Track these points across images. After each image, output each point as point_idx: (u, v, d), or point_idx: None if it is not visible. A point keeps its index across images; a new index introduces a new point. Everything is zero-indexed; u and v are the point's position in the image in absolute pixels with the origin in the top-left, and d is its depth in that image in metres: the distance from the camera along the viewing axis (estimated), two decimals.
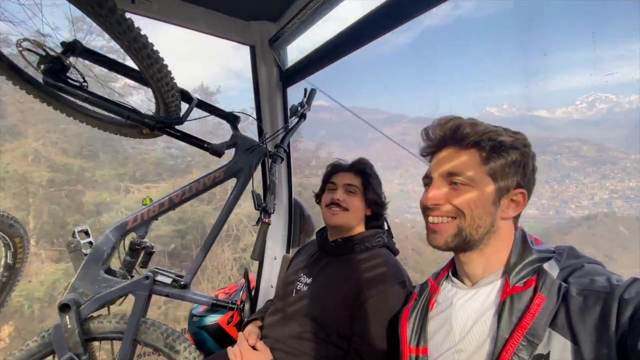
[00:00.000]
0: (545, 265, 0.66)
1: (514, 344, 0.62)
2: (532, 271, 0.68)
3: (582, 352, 0.55)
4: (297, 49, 1.85)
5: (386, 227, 1.30)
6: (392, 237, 1.29)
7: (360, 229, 1.26)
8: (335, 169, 1.33)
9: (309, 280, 1.21)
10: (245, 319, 1.49)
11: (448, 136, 0.78)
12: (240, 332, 1.23)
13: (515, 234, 0.76)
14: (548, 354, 0.59)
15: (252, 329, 1.25)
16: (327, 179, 1.33)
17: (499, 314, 0.67)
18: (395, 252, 1.24)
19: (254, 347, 1.14)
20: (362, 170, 1.27)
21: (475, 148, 0.75)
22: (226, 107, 1.47)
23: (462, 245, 0.75)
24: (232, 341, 1.66)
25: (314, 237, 1.49)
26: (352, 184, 1.25)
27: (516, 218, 0.77)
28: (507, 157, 0.72)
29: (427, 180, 0.81)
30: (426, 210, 0.79)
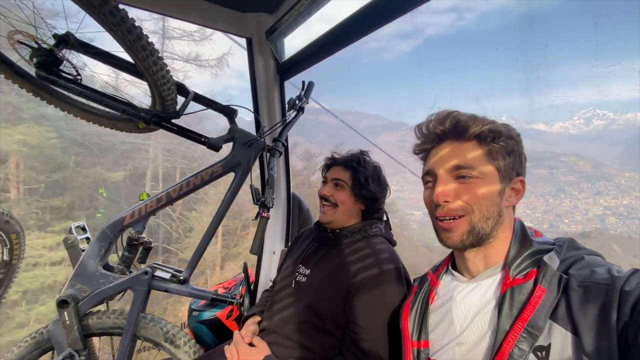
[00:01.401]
0: (546, 257, 0.66)
1: (514, 336, 0.62)
2: (532, 263, 0.68)
3: (582, 344, 0.55)
4: (294, 42, 1.82)
5: (385, 218, 1.29)
6: (390, 229, 1.28)
7: (354, 221, 1.25)
8: (329, 162, 1.32)
9: (307, 272, 1.21)
10: (245, 314, 1.49)
11: (449, 130, 0.76)
12: (236, 331, 1.22)
13: (515, 225, 0.76)
14: (549, 346, 0.59)
15: (249, 326, 1.25)
16: (323, 174, 1.33)
17: (500, 306, 0.67)
18: (393, 243, 1.24)
19: (250, 344, 1.14)
20: (350, 165, 1.24)
21: (476, 140, 0.74)
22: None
23: (477, 240, 0.73)
24: (232, 335, 1.66)
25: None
26: (340, 179, 1.23)
27: (514, 208, 0.78)
28: (507, 147, 0.73)
29: (430, 178, 0.79)
30: (435, 208, 0.76)
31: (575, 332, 0.57)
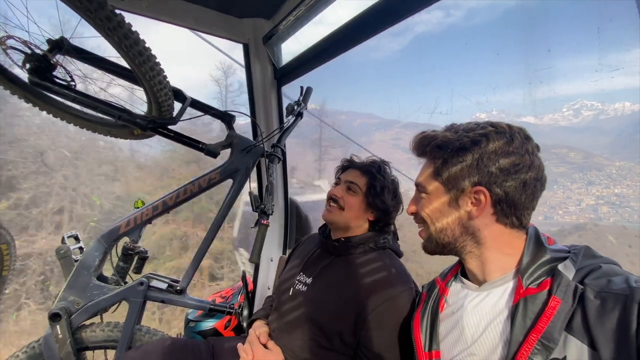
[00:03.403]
0: (561, 266, 0.64)
1: (528, 348, 0.60)
2: (546, 272, 0.65)
3: (600, 357, 0.54)
4: (291, 47, 1.81)
5: (392, 229, 1.25)
6: (398, 239, 1.25)
7: (361, 231, 1.19)
8: (346, 164, 1.27)
9: (309, 281, 1.15)
10: (244, 323, 1.46)
11: (415, 151, 0.84)
12: (252, 330, 1.16)
13: (528, 232, 0.73)
14: (564, 359, 0.57)
15: (262, 327, 1.18)
16: (337, 175, 1.27)
17: (512, 316, 0.65)
18: (399, 254, 1.20)
19: (265, 346, 1.09)
20: (369, 170, 1.19)
21: (430, 158, 0.80)
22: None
23: (440, 249, 0.80)
24: None
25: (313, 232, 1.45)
26: (354, 183, 1.17)
27: (515, 218, 0.72)
28: (454, 160, 0.73)
29: None
30: None
31: (592, 345, 0.55)
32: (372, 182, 1.16)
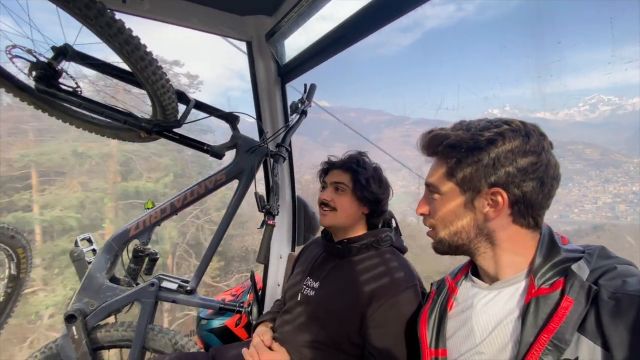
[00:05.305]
0: (574, 267, 0.62)
1: (539, 349, 0.59)
2: (559, 272, 0.64)
3: (613, 359, 0.52)
4: (295, 43, 1.79)
5: (394, 225, 1.25)
6: (400, 235, 1.24)
7: (361, 229, 1.21)
8: (326, 166, 1.27)
9: (316, 285, 1.16)
10: (254, 322, 1.47)
11: (424, 151, 0.81)
12: (255, 334, 1.18)
13: (542, 232, 0.71)
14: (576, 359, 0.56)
15: (265, 330, 1.20)
16: (321, 179, 1.28)
17: (523, 316, 0.63)
18: (403, 250, 1.20)
19: (269, 348, 1.11)
20: (349, 166, 1.19)
21: (441, 157, 0.76)
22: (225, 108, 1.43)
23: (453, 251, 0.78)
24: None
25: (319, 234, 1.45)
26: (340, 182, 1.18)
27: (532, 219, 0.70)
28: (469, 160, 0.70)
29: None
30: None
31: (606, 346, 0.54)
32: (356, 176, 1.17)
